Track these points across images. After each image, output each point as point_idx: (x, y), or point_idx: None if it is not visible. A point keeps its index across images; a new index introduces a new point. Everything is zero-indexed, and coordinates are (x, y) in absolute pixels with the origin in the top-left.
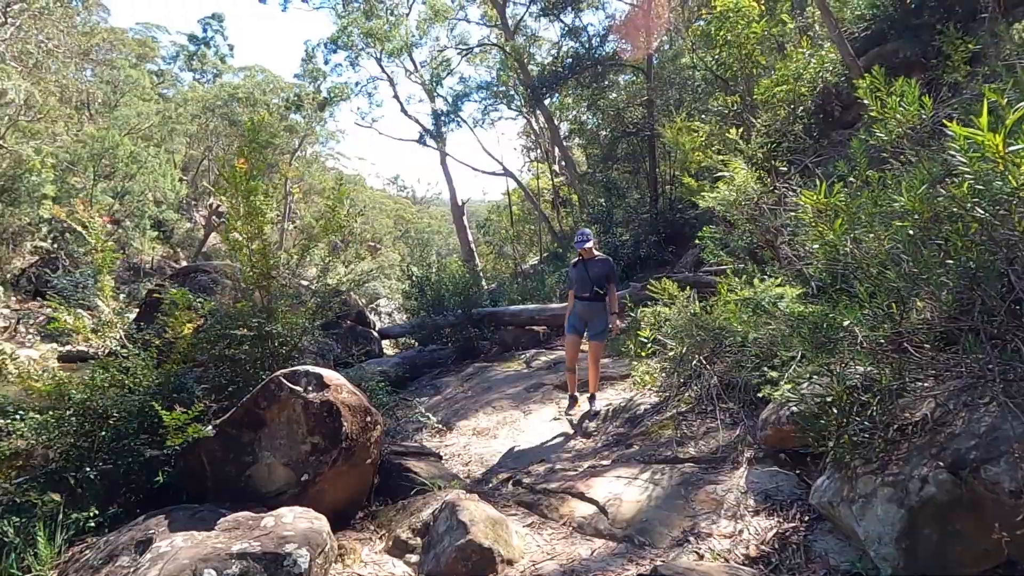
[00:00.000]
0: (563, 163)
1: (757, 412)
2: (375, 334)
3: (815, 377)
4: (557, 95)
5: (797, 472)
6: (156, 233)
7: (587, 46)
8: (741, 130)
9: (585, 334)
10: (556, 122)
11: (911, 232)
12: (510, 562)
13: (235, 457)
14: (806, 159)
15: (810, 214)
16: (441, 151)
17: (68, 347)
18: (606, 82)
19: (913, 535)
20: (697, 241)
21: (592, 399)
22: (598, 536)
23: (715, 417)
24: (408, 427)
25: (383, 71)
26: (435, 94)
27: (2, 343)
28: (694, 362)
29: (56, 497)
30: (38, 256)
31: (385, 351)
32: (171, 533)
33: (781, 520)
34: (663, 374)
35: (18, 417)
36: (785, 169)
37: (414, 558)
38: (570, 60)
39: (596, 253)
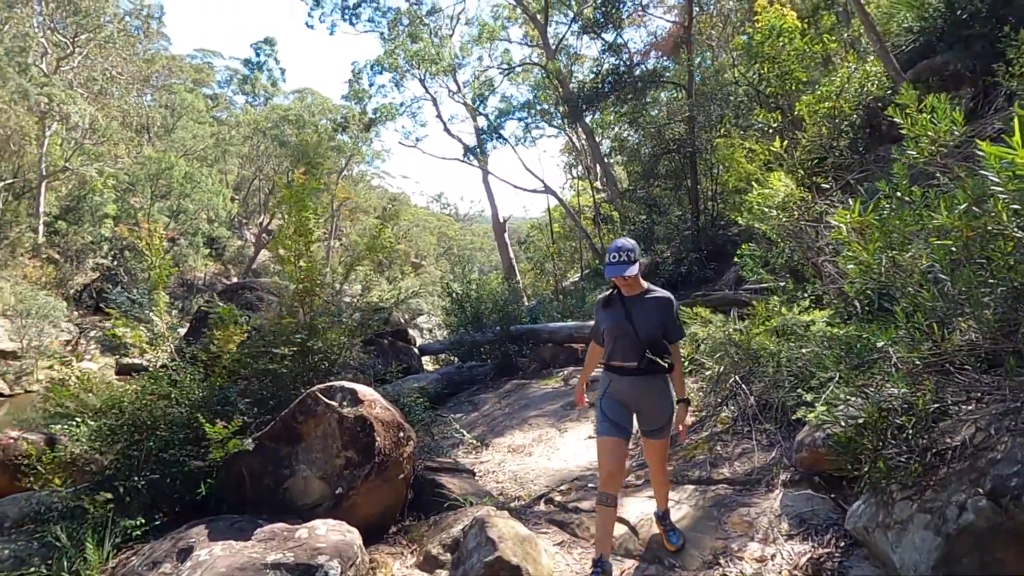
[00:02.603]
0: (604, 180)
1: (794, 434)
2: (415, 350)
3: (850, 399)
4: (598, 112)
5: (833, 496)
6: (208, 250)
7: (628, 63)
8: (785, 143)
9: (637, 428)
10: (597, 139)
11: (952, 251)
12: None
13: (273, 470)
14: (849, 175)
15: (845, 232)
16: (483, 169)
17: (125, 360)
18: (647, 98)
19: (951, 564)
20: (737, 260)
21: (665, 519)
22: (628, 556)
23: (751, 438)
24: (444, 443)
25: (427, 92)
26: (478, 113)
27: (64, 356)
28: (730, 382)
29: (106, 504)
30: (99, 272)
31: (425, 367)
32: (211, 542)
33: (815, 545)
34: (700, 394)
35: (75, 423)
36: (828, 186)
37: (444, 573)
38: (611, 77)
39: (646, 285)
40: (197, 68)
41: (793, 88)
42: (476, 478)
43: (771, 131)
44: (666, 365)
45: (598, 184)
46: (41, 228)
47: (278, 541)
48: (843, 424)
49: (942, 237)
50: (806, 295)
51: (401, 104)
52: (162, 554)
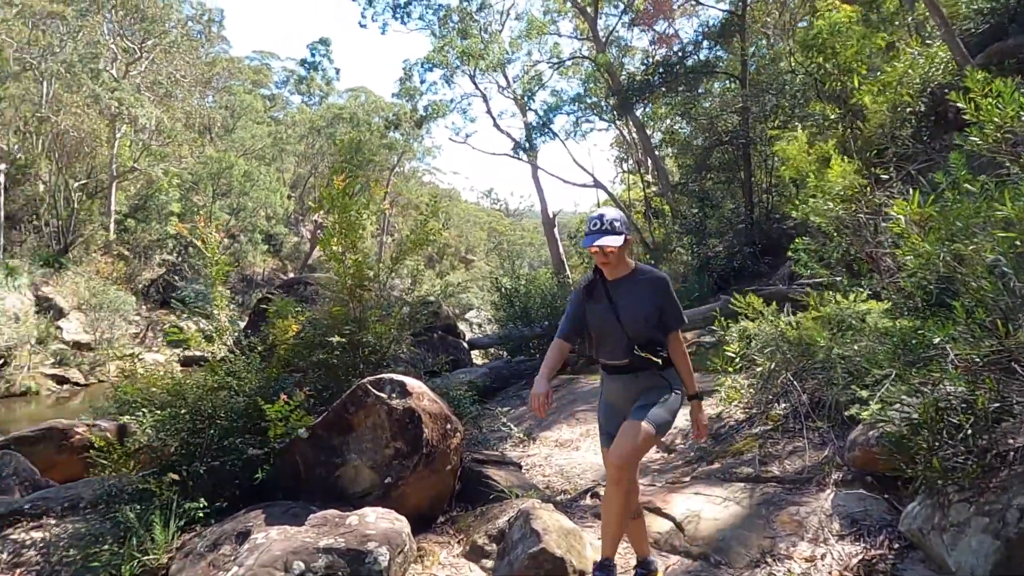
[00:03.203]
0: (655, 173)
1: (847, 432)
2: (464, 344)
3: (906, 397)
4: (649, 104)
5: (886, 497)
6: (266, 246)
7: (679, 54)
8: (845, 132)
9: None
10: (648, 132)
11: (1017, 243)
12: (582, 573)
13: (325, 458)
14: (911, 165)
15: (903, 225)
16: (532, 164)
17: (188, 352)
18: (699, 90)
19: (1010, 568)
20: (790, 254)
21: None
22: (673, 552)
23: (802, 436)
24: (492, 437)
25: (477, 88)
26: (527, 108)
27: (133, 347)
28: (781, 379)
29: (171, 488)
30: (165, 268)
31: (474, 361)
32: (267, 527)
33: (868, 546)
34: (751, 391)
35: (142, 413)
36: (888, 176)
37: (489, 563)
38: (662, 68)
39: (633, 264)
40: (255, 70)
41: (852, 80)
42: (522, 471)
43: (829, 122)
44: (659, 361)
45: (649, 178)
46: (112, 226)
47: (330, 527)
48: (897, 423)
49: (1007, 229)
50: (862, 289)
51: (451, 101)
52: (222, 536)
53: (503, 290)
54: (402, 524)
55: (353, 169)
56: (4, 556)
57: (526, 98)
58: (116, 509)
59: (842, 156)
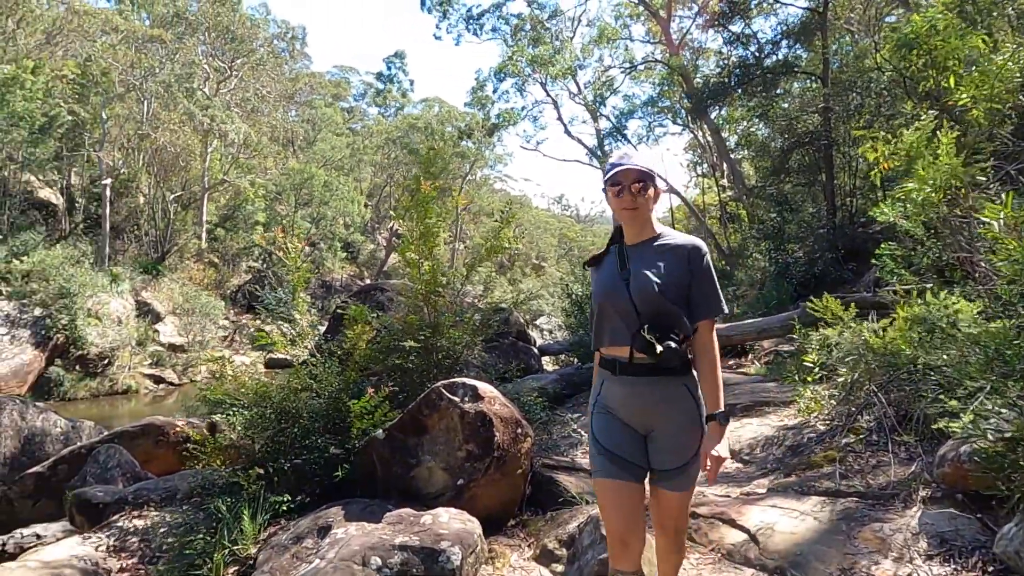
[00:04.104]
0: (731, 177)
1: (936, 447)
2: (535, 350)
3: (1002, 411)
4: (724, 107)
5: (979, 516)
6: (344, 254)
7: (757, 54)
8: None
9: (650, 471)
10: (723, 134)
11: None
12: None
13: (401, 459)
14: (1010, 166)
15: (996, 229)
16: (604, 170)
17: (272, 354)
18: (778, 90)
19: None
20: (875, 260)
21: None
22: (747, 565)
23: (887, 450)
24: (562, 443)
25: (548, 95)
26: (598, 114)
27: (222, 350)
28: (864, 390)
29: (258, 482)
30: (251, 275)
31: (544, 367)
32: (347, 522)
33: (958, 568)
34: (831, 402)
35: (233, 412)
36: (984, 178)
37: (560, 568)
38: (738, 70)
39: (661, 228)
40: (335, 83)
41: (949, 81)
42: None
43: (920, 120)
44: (680, 354)
45: (724, 182)
46: (204, 235)
47: (405, 525)
48: (992, 438)
49: None
50: (954, 296)
51: (522, 108)
52: (305, 530)
53: (574, 296)
54: (474, 525)
55: (432, 178)
56: (111, 541)
57: (597, 104)
58: (208, 501)
59: (932, 156)
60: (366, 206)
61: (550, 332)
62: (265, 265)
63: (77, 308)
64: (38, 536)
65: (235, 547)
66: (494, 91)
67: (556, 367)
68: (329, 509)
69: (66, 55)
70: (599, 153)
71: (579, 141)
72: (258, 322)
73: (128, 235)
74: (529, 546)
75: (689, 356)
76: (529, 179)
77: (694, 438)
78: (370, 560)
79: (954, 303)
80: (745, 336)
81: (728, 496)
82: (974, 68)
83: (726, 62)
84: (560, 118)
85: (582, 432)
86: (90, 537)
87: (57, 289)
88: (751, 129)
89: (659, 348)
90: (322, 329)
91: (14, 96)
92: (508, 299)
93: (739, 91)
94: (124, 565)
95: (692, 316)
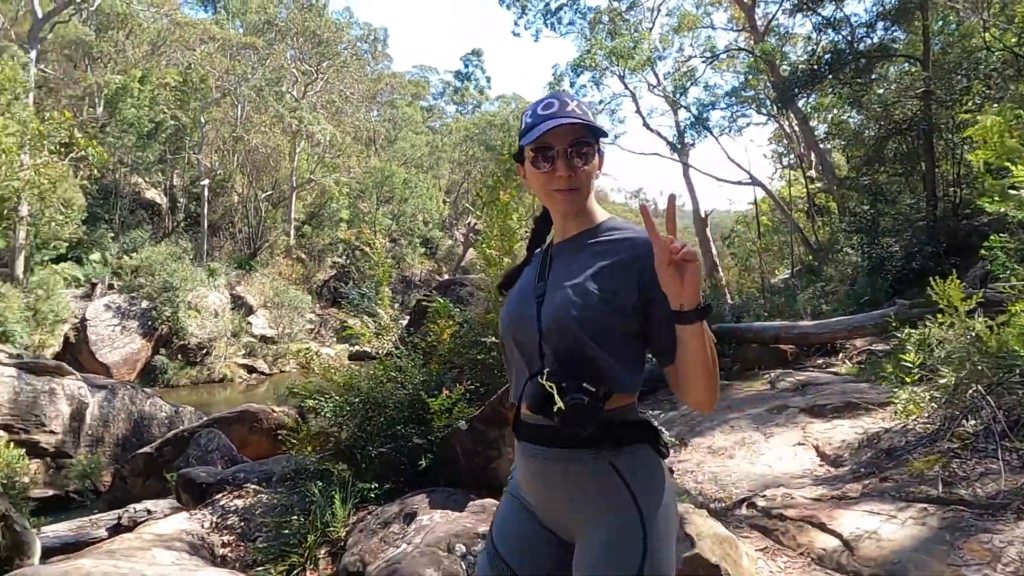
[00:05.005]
0: (819, 168)
1: None
2: None
3: None
4: (813, 95)
5: None
6: (423, 249)
7: (849, 39)
8: None
9: None
10: (811, 124)
11: None
12: None
13: (482, 450)
14: None
15: None
16: (683, 163)
17: (357, 347)
18: (873, 75)
19: None
20: (984, 253)
21: None
22: (839, 571)
23: (997, 458)
24: None
25: (626, 87)
26: (678, 105)
27: (308, 342)
28: (971, 392)
29: (347, 469)
30: (335, 270)
31: None
32: (431, 510)
33: None
34: (932, 404)
35: (322, 401)
36: None
37: None
38: (828, 55)
39: (602, 215)
40: (415, 83)
41: None
42: (673, 476)
43: None
44: (597, 418)
45: (812, 173)
46: (292, 231)
47: (487, 514)
48: None
49: None
50: None
51: (600, 102)
52: (391, 516)
53: None
54: None
55: (508, 186)
56: (214, 518)
57: (677, 95)
58: (302, 485)
59: None
60: (444, 202)
61: None
62: (348, 261)
63: (179, 301)
64: (148, 511)
65: (327, 529)
66: (571, 85)
67: None
68: (414, 497)
69: (168, 64)
70: (679, 145)
71: (658, 134)
72: (342, 315)
73: (224, 232)
74: None
75: (622, 419)
76: (607, 174)
77: (629, 559)
78: (455, 547)
79: None
80: (835, 334)
81: (819, 499)
82: None
83: (815, 48)
84: (639, 111)
85: (662, 429)
86: (195, 514)
87: (161, 283)
88: (842, 117)
89: (559, 403)
90: (403, 323)
91: (125, 104)
92: None
93: (829, 77)
94: (226, 540)
95: (659, 357)
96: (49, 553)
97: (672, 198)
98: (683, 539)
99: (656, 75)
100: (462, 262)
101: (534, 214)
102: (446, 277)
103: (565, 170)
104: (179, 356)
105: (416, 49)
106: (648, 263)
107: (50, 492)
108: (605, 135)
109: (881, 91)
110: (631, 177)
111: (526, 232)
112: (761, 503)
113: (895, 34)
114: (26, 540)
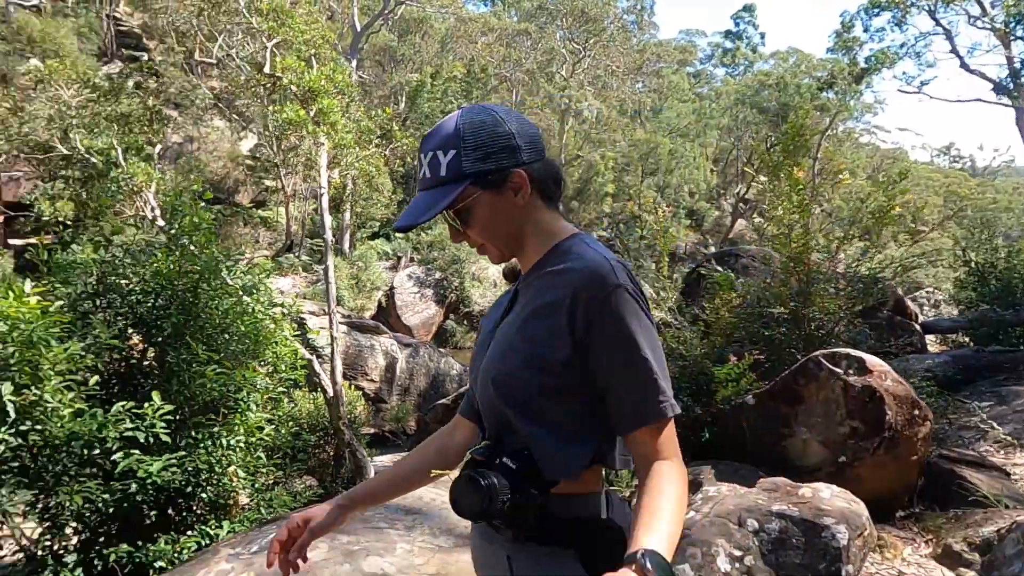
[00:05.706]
0: None
1: None
2: (916, 327)
3: None
4: None
5: None
6: (688, 221)
7: None
8: None
9: None
10: None
11: None
12: None
13: (771, 427)
14: None
15: None
16: (1017, 107)
17: None
18: None
19: None
20: None
21: None
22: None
23: None
24: (964, 435)
25: (938, 24)
26: (1012, 37)
27: None
28: None
29: None
30: (601, 242)
31: (928, 347)
32: (717, 482)
33: None
34: None
35: None
36: None
37: (970, 573)
38: None
39: (561, 238)
40: (682, 49)
41: None
42: (1011, 479)
43: None
44: (527, 503)
45: None
46: (561, 207)
47: (780, 494)
48: None
49: None
50: None
51: (901, 46)
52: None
53: (973, 265)
54: (860, 507)
55: (804, 141)
56: None
57: (1011, 23)
58: None
59: None
60: (712, 172)
61: (933, 306)
62: (612, 234)
63: (465, 272)
64: None
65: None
66: (864, 30)
67: (943, 348)
68: (700, 467)
69: (455, 58)
70: (1009, 88)
71: (981, 75)
72: None
73: None
74: (926, 543)
75: (562, 510)
76: (906, 128)
77: None
78: (746, 521)
79: None
80: None
81: None
82: None
83: None
84: (954, 50)
85: (993, 424)
86: None
87: (450, 256)
88: None
89: (482, 480)
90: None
91: (422, 99)
92: (888, 267)
93: None
94: None
95: (616, 423)
96: None
97: None
98: None
99: (981, 4)
100: (730, 233)
101: (812, 178)
102: (712, 249)
103: (458, 239)
104: (464, 322)
105: (683, 15)
106: (584, 296)
107: (372, 430)
108: (485, 174)
109: None
110: (939, 131)
111: (805, 198)
112: None
113: None
114: (364, 465)
